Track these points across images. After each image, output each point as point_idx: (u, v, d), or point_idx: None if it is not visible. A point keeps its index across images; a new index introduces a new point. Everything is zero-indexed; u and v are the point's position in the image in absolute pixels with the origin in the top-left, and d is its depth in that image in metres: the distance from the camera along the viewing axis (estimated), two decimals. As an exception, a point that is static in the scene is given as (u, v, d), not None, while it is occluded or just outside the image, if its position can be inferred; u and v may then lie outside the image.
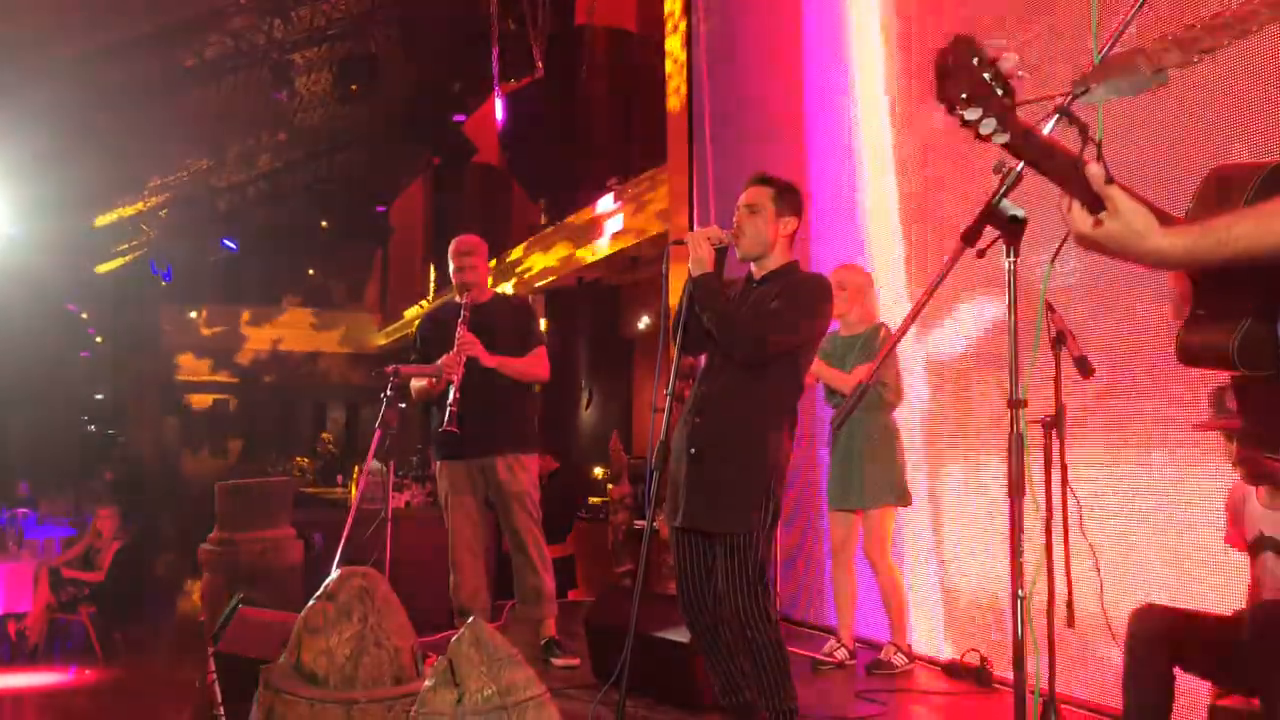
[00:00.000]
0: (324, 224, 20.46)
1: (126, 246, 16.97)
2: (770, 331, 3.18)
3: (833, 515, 4.67)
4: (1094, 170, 1.48)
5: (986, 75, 1.45)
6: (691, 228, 6.80)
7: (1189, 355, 1.64)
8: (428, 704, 1.99)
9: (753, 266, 3.40)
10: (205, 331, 21.11)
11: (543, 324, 7.10)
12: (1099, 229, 1.49)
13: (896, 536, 4.69)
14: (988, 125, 1.46)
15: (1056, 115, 1.69)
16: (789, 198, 3.36)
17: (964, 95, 1.44)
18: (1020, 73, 1.47)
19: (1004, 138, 1.48)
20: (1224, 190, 1.57)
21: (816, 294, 3.30)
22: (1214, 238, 1.45)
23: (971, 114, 1.45)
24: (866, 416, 4.48)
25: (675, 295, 3.37)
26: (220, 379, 21.22)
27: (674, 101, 7.59)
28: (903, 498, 4.53)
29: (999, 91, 1.45)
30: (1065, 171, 1.50)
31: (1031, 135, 1.50)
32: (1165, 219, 1.50)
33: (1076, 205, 1.50)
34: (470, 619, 2.18)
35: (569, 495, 9.22)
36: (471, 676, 1.96)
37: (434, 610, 4.90)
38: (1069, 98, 1.58)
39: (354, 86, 11.73)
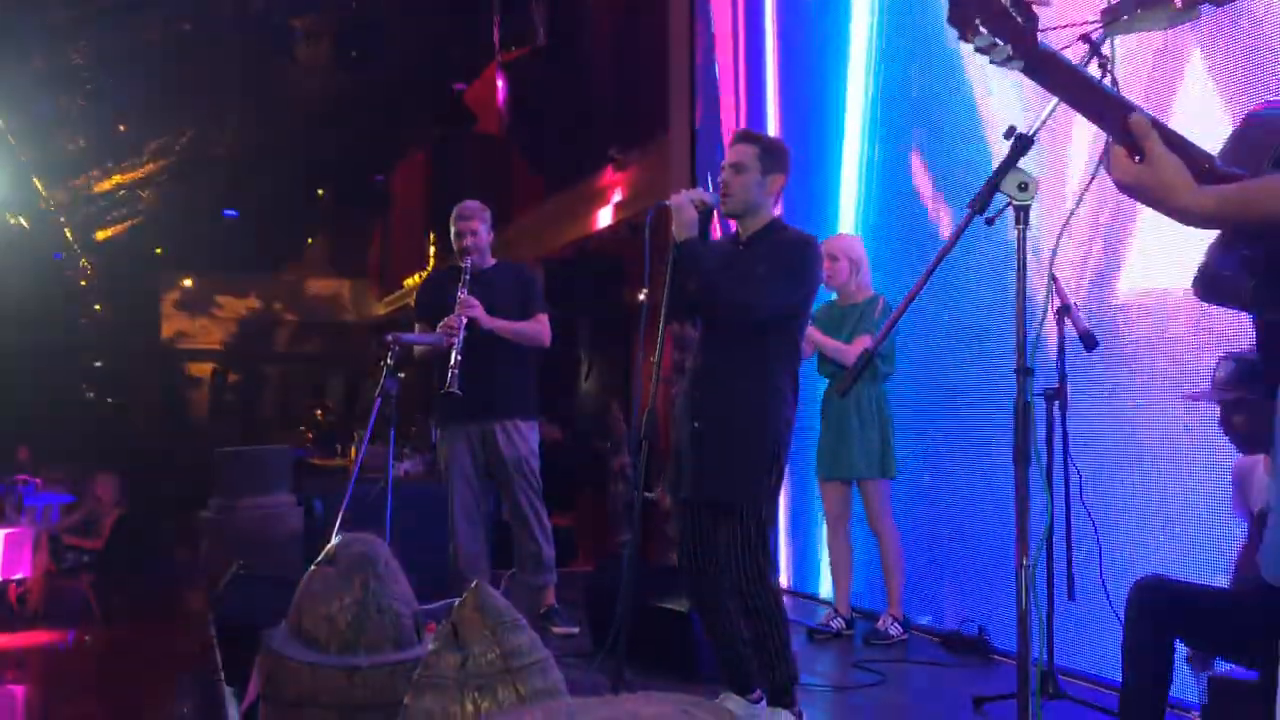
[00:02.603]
0: (321, 192, 20.36)
1: (126, 213, 16.89)
2: (756, 298, 3.11)
3: (825, 486, 4.66)
4: (1136, 119, 1.45)
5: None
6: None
7: (1206, 291, 1.63)
8: (432, 667, 1.98)
9: (738, 227, 3.33)
10: (204, 300, 21.06)
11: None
12: (1134, 174, 1.46)
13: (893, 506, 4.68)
14: (1001, 52, 1.42)
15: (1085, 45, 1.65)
16: (775, 155, 3.26)
17: (978, 20, 1.40)
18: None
19: (1019, 64, 1.43)
20: (1255, 139, 1.54)
21: (803, 258, 3.20)
22: (1239, 201, 1.42)
23: (982, 41, 1.41)
24: (859, 387, 4.45)
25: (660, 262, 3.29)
26: (219, 347, 21.19)
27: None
28: (889, 469, 4.53)
29: (1017, 18, 1.41)
30: (1098, 108, 1.47)
31: (1053, 64, 1.45)
32: (1204, 167, 1.46)
33: (1118, 149, 1.48)
34: (474, 583, 2.17)
35: (570, 465, 9.22)
36: (475, 640, 1.96)
37: (433, 579, 4.90)
38: (1096, 27, 1.53)
39: (354, 53, 11.63)
